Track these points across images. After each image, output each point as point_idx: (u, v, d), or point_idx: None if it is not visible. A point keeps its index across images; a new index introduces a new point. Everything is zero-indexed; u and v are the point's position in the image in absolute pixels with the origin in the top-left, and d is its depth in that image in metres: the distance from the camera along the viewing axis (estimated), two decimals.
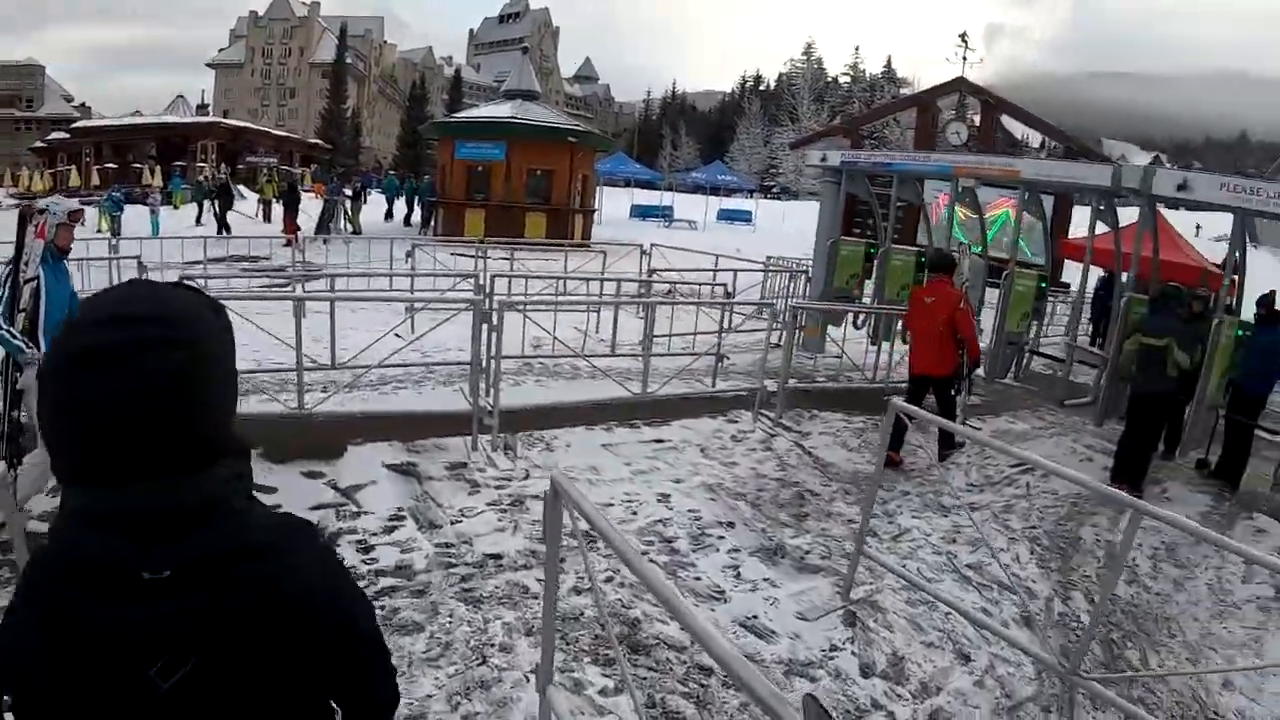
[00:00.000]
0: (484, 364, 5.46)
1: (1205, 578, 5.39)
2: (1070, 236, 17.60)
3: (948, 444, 6.31)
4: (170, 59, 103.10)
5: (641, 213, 33.52)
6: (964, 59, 26.09)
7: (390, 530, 4.10)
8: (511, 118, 20.32)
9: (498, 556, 3.87)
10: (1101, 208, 7.23)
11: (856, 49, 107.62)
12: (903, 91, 79.15)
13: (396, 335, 6.12)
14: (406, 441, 5.22)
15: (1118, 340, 6.59)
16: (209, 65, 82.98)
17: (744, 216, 36.17)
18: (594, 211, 22.52)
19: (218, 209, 19.52)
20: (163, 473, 0.79)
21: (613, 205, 31.34)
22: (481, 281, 7.60)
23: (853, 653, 3.50)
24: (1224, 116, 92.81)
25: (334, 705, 0.97)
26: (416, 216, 22.66)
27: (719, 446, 6.06)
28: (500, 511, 4.38)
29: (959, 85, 23.84)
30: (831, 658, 3.43)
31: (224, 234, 17.62)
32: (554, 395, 6.75)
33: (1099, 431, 8.18)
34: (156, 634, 0.80)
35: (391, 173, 27.25)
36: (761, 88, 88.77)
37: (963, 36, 26.41)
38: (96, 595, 0.79)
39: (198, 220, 20.47)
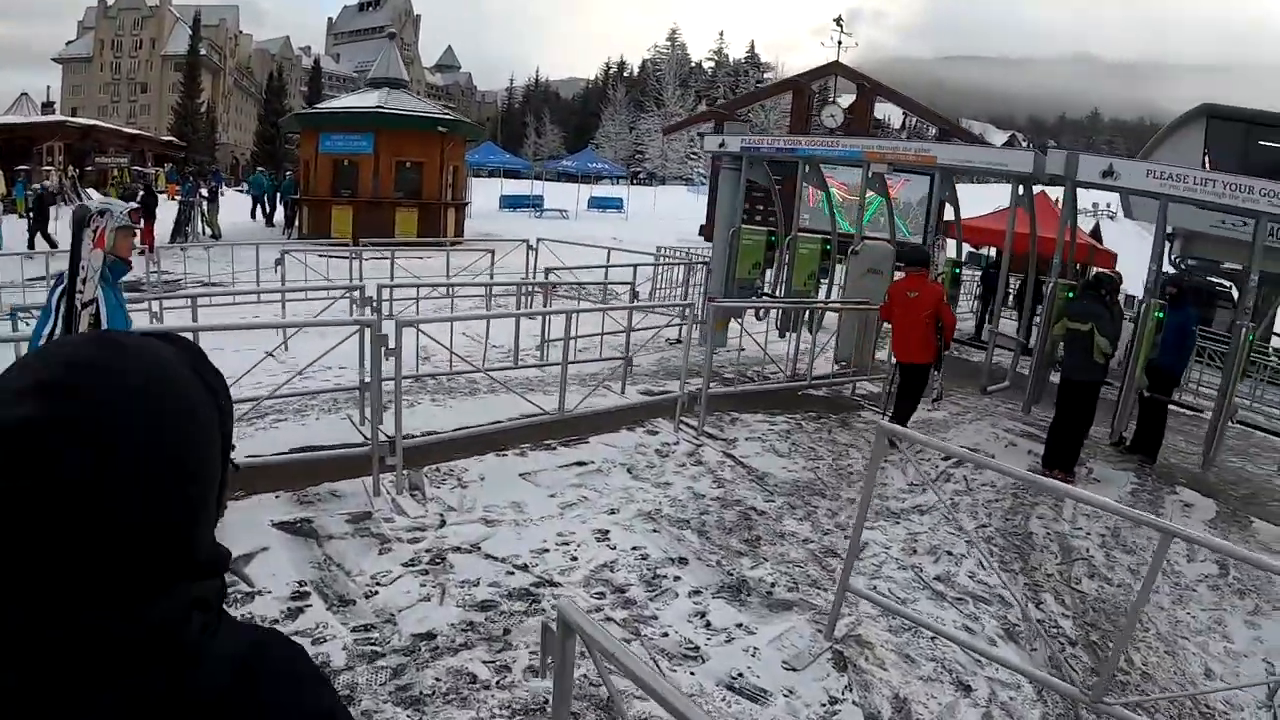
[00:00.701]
0: (379, 388, 4.78)
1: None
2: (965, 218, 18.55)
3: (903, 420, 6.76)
4: (13, 56, 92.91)
5: (511, 203, 33.42)
6: (839, 43, 27.18)
7: (294, 614, 3.35)
8: (379, 107, 19.64)
9: (429, 636, 3.24)
10: (1020, 192, 7.49)
11: (721, 34, 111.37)
12: (767, 76, 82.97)
13: (270, 356, 5.28)
14: (297, 490, 4.45)
15: (1044, 325, 6.79)
16: (55, 60, 80.00)
17: (615, 204, 37.11)
18: (466, 205, 21.89)
19: (31, 219, 16.41)
20: (86, 595, 0.58)
21: (481, 197, 30.75)
22: (369, 294, 6.76)
23: (854, 702, 3.18)
24: (1076, 96, 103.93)
25: None
26: (280, 216, 21.60)
27: (646, 465, 5.65)
28: (420, 574, 3.73)
29: (834, 69, 24.78)
30: (835, 713, 3.10)
31: (48, 248, 15.02)
32: (456, 417, 6.09)
33: (1018, 415, 8.51)
34: None
35: (260, 170, 25.14)
36: (626, 74, 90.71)
37: (838, 20, 27.56)
38: None
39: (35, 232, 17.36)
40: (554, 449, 5.67)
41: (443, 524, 4.23)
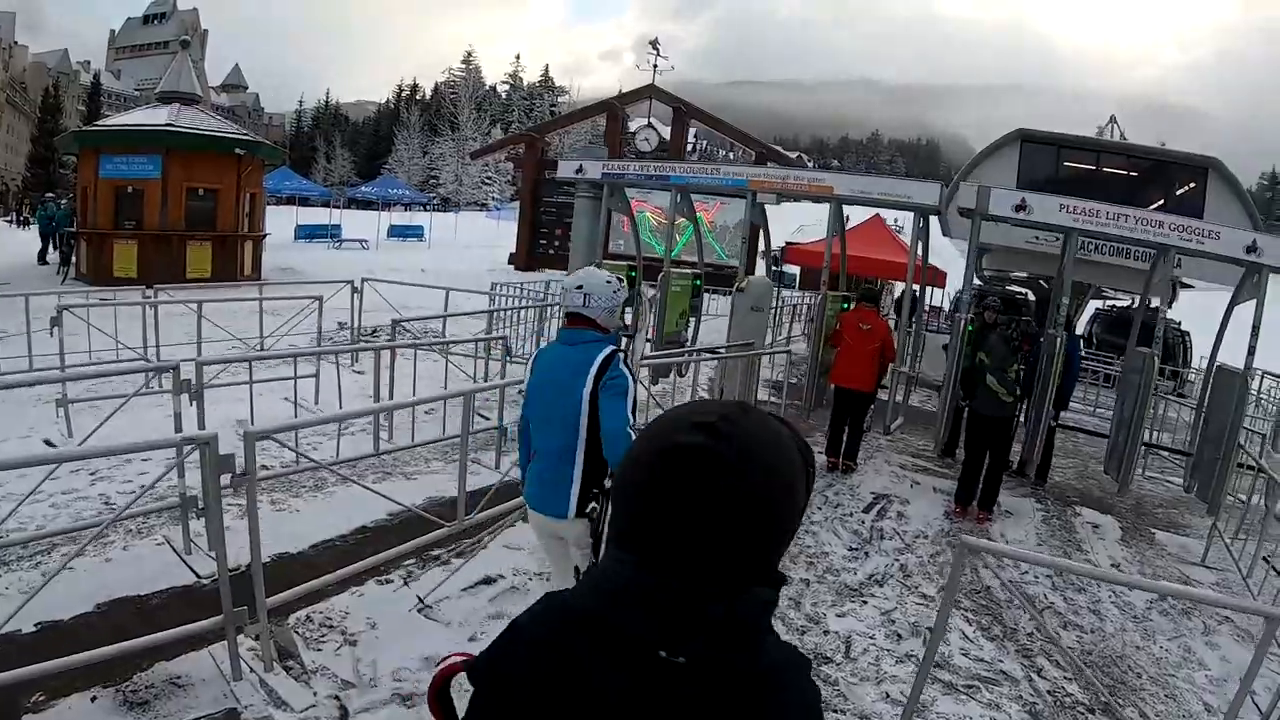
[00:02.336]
0: (219, 517, 3.50)
1: (1107, 596, 5.60)
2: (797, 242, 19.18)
3: (852, 456, 7.35)
4: None
5: (308, 233, 31.11)
6: (654, 65, 27.58)
7: None
8: (169, 125, 17.03)
9: None
10: (921, 224, 7.48)
11: (518, 57, 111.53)
12: (561, 100, 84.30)
13: (48, 444, 3.79)
14: (121, 682, 3.11)
15: (954, 361, 6.74)
16: None
17: (417, 232, 36.17)
18: (265, 236, 19.69)
19: None
20: (710, 573, 0.88)
21: (275, 226, 28.01)
22: (190, 380, 5.11)
23: None
24: (858, 118, 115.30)
25: None
26: (55, 254, 18.31)
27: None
28: None
29: (649, 91, 25.09)
30: None
31: None
32: (312, 527, 4.88)
33: (920, 451, 8.52)
34: (642, 707, 0.88)
35: (50, 197, 20.54)
36: (419, 97, 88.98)
37: (654, 44, 27.88)
38: (606, 655, 0.89)
39: None
40: (448, 562, 4.62)
41: (344, 716, 3.10)
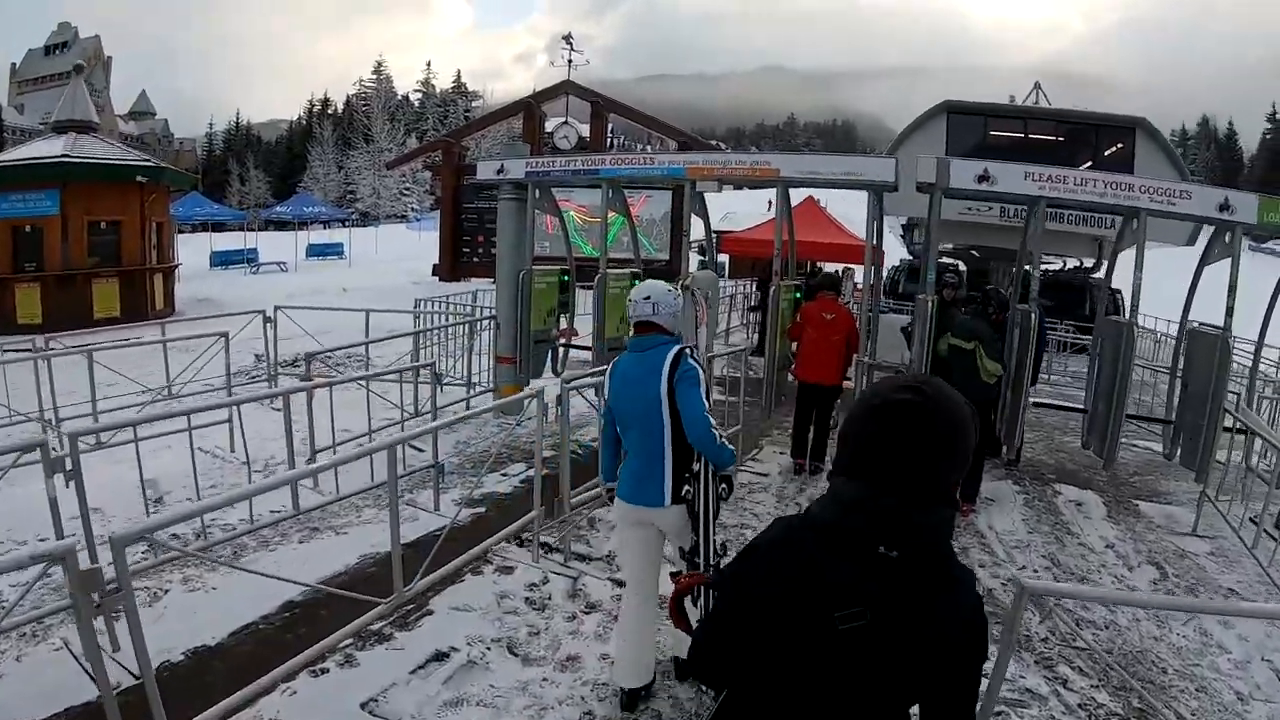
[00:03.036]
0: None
1: (1109, 582, 5.27)
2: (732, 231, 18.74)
3: (820, 455, 6.84)
4: None
5: (223, 259, 29.65)
6: (569, 62, 26.82)
7: None
8: (64, 156, 15.85)
9: None
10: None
11: (428, 65, 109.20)
12: (475, 105, 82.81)
13: None
14: None
15: (923, 345, 6.28)
16: None
17: (336, 250, 34.97)
18: (176, 267, 18.53)
19: None
20: (914, 493, 1.30)
21: (189, 255, 26.46)
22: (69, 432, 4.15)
23: None
24: (772, 105, 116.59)
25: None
26: None
27: (528, 632, 4.05)
28: None
29: (566, 88, 24.34)
30: None
31: None
32: (231, 607, 4.09)
33: None
34: (856, 589, 1.29)
35: None
36: (331, 111, 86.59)
37: (567, 38, 27.12)
38: (836, 554, 1.31)
39: None
40: (391, 638, 3.89)
41: None
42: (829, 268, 16.67)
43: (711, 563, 3.18)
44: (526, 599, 4.39)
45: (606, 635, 4.03)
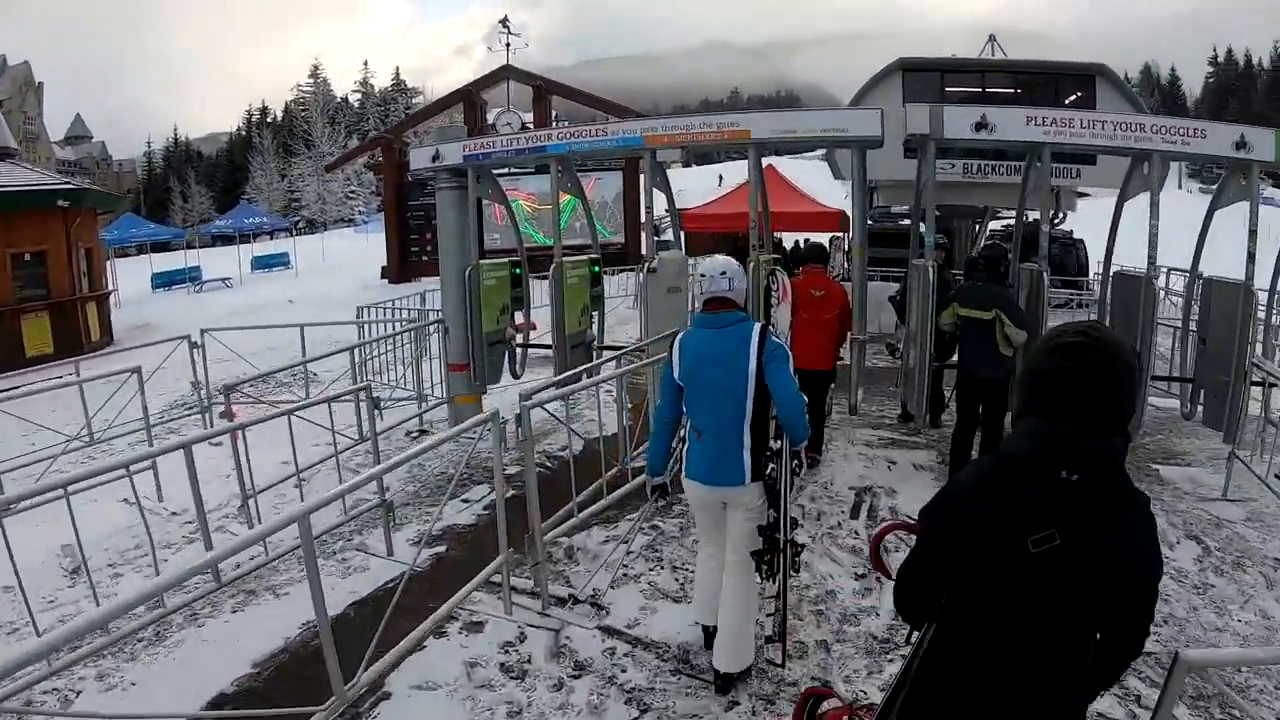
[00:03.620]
0: None
1: None
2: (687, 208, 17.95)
3: (817, 447, 6.03)
4: None
5: (165, 281, 28.04)
6: (507, 45, 25.67)
7: None
8: None
9: None
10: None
11: (365, 64, 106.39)
12: (416, 101, 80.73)
13: None
14: None
15: (917, 315, 5.59)
16: None
17: (282, 260, 33.49)
18: (110, 294, 17.41)
19: None
20: (1088, 422, 1.44)
21: (130, 279, 25.03)
22: None
23: None
24: (715, 81, 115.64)
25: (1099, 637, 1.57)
26: None
27: (508, 713, 3.26)
28: None
29: (505, 73, 23.26)
30: None
31: None
32: (154, 705, 3.28)
33: (873, 421, 7.43)
34: (1044, 512, 1.46)
35: None
36: (270, 120, 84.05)
37: (503, 22, 25.87)
38: (1028, 479, 1.48)
39: None
40: None
41: None
42: (789, 240, 15.92)
43: (788, 537, 3.18)
44: (502, 665, 3.62)
45: (604, 706, 3.29)
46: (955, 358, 5.91)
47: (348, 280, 24.09)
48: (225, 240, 40.16)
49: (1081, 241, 17.27)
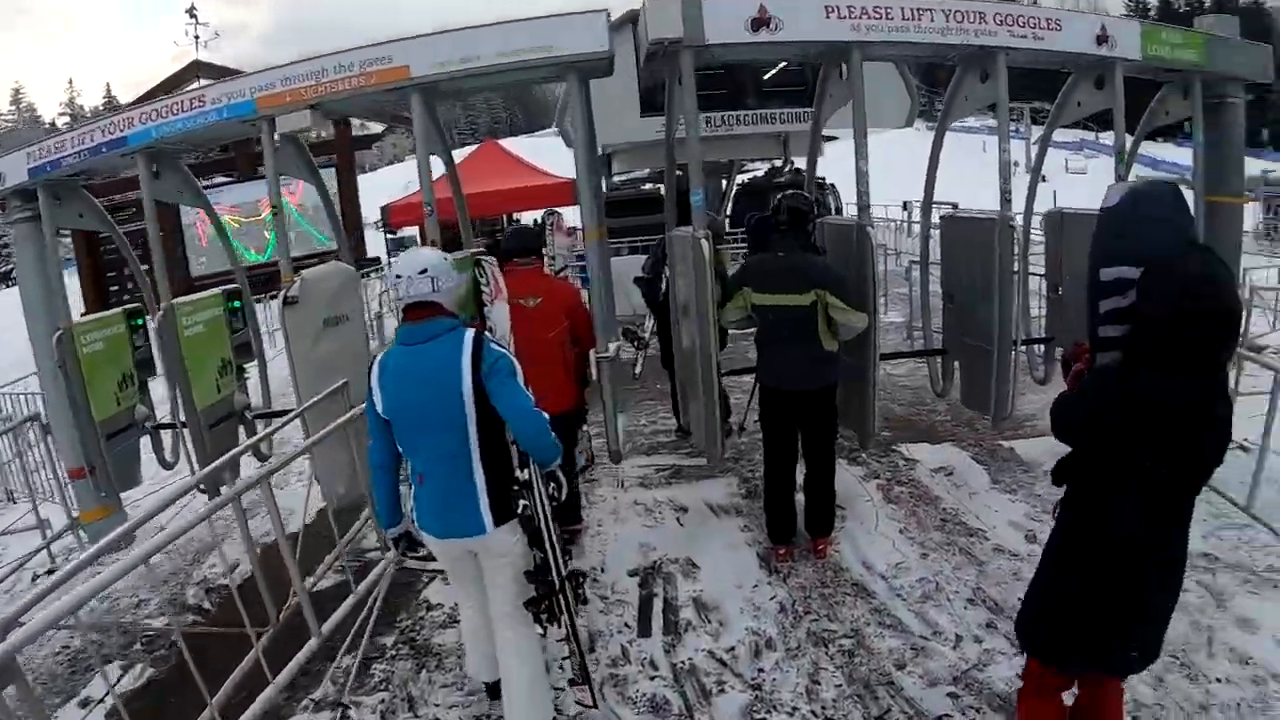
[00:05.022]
0: None
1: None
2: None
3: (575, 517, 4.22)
4: None
5: None
6: (196, 38, 21.78)
7: None
8: None
9: None
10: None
11: (70, 82, 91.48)
12: None
13: None
14: None
15: (693, 298, 3.77)
16: None
17: None
18: None
19: None
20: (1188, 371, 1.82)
21: None
22: None
23: None
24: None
25: None
26: None
27: None
28: None
29: (195, 70, 19.45)
30: None
31: None
32: None
33: (664, 448, 5.67)
34: (1190, 411, 1.85)
35: None
36: None
37: (190, 12, 21.91)
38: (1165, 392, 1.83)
39: None
40: None
41: None
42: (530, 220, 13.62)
43: (563, 575, 2.55)
44: None
45: None
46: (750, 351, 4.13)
47: (20, 342, 18.97)
48: None
49: (834, 185, 16.57)
